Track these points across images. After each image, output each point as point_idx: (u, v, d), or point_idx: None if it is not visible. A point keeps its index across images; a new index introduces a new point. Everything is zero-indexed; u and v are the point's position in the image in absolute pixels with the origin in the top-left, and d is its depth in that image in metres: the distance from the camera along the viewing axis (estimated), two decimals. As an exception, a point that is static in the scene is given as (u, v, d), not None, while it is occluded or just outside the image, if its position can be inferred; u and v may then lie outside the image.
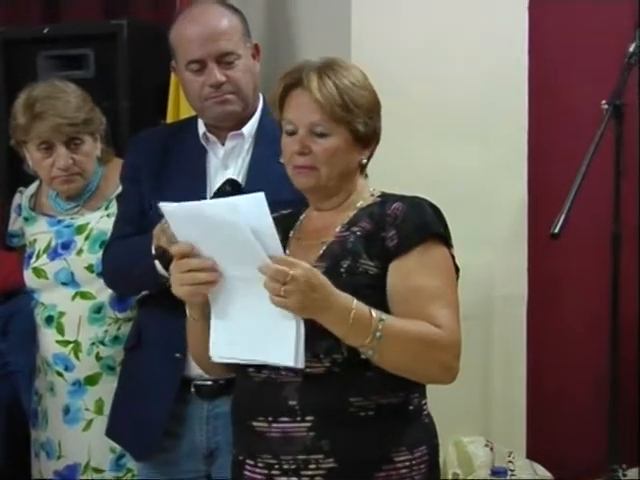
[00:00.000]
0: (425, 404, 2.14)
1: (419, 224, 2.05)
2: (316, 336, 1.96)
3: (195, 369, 2.38)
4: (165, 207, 1.99)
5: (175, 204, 2.01)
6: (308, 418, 2.01)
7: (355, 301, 1.93)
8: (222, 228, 1.92)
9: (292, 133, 2.10)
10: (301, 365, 1.94)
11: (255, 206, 1.88)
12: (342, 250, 2.05)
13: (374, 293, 2.00)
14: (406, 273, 2.02)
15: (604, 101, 3.07)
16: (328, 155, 2.07)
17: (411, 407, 2.09)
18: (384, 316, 1.95)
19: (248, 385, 2.08)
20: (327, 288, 1.91)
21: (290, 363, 1.94)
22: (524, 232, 3.57)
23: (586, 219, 3.18)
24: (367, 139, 2.12)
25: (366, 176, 2.22)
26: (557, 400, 3.69)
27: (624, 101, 3.09)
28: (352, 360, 2.00)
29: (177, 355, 2.46)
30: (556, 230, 2.83)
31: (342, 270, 2.02)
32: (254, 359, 2.02)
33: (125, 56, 3.56)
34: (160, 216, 2.34)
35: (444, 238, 2.08)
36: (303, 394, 2.01)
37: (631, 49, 3.14)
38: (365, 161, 2.14)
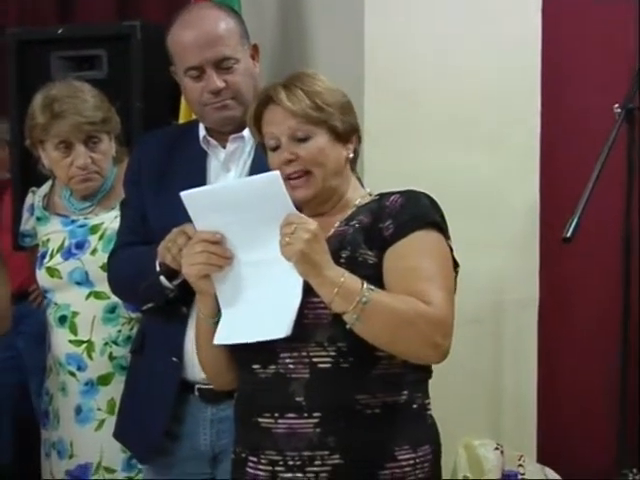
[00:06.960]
0: (428, 404, 2.16)
1: (415, 213, 2.09)
2: (319, 325, 2.02)
3: (197, 373, 2.40)
4: (186, 194, 2.05)
5: (197, 189, 2.06)
6: (315, 414, 2.04)
7: (347, 272, 1.98)
8: (250, 207, 1.99)
9: (276, 148, 2.15)
10: (289, 332, 1.99)
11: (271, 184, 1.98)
12: (341, 242, 2.08)
13: (374, 283, 2.01)
14: (401, 256, 2.06)
15: (616, 105, 3.07)
16: (316, 156, 2.12)
17: (415, 406, 2.11)
18: (373, 287, 1.99)
19: (253, 381, 2.10)
20: (327, 250, 1.99)
21: (282, 335, 2.00)
22: (536, 236, 3.57)
23: (597, 223, 3.17)
24: (347, 135, 2.17)
25: (360, 181, 2.27)
26: (568, 403, 3.69)
27: (636, 105, 3.08)
28: (358, 351, 2.02)
29: (174, 359, 2.47)
30: (568, 234, 2.82)
31: (342, 261, 2.04)
32: (250, 340, 2.05)
33: (138, 57, 3.56)
34: (160, 223, 2.37)
35: (440, 227, 2.11)
36: (310, 390, 2.04)
37: (643, 53, 3.14)
38: (351, 155, 2.19)
